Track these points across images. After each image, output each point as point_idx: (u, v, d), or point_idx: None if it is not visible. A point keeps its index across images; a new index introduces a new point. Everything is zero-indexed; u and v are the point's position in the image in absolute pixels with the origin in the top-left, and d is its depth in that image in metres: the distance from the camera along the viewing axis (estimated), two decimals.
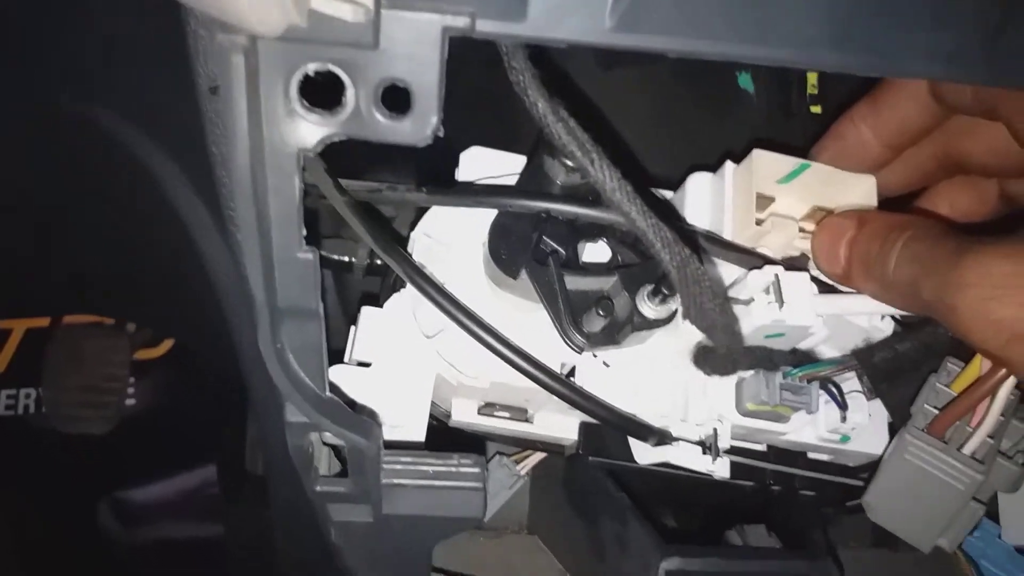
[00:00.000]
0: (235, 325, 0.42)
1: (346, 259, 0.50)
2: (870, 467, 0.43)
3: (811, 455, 0.44)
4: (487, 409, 0.44)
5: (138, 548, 0.93)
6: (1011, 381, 0.34)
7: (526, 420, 0.44)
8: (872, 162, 0.40)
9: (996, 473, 0.37)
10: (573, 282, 0.36)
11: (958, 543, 0.38)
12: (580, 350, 0.35)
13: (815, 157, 0.41)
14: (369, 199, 0.40)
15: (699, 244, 0.36)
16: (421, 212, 0.43)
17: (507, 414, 0.44)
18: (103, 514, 0.92)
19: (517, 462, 0.54)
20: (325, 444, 0.38)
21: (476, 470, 0.31)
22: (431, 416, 0.44)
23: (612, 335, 0.36)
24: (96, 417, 0.96)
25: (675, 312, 0.35)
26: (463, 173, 0.44)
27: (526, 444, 0.47)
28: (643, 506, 0.46)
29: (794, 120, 0.57)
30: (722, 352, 0.32)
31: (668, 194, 0.45)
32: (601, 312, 0.34)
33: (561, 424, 0.44)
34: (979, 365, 0.37)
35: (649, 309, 0.35)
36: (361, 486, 0.32)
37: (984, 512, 0.37)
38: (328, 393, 0.29)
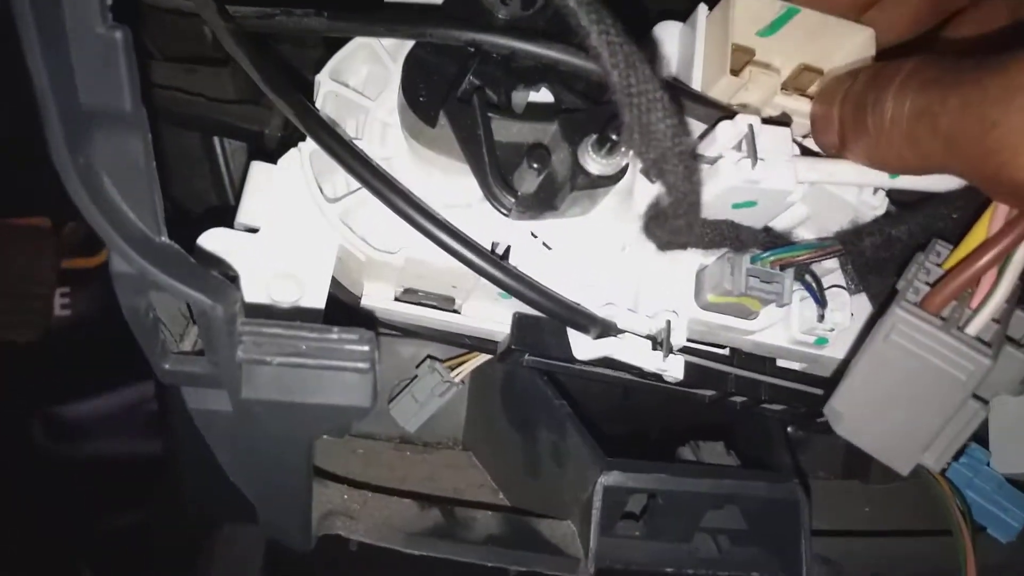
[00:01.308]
0: None
1: (255, 128, 0.43)
2: None
3: (780, 363, 0.39)
4: (407, 296, 0.38)
5: (72, 465, 0.88)
6: None
7: (453, 310, 0.38)
8: (843, 8, 0.34)
9: (1003, 364, 0.29)
10: (503, 128, 0.29)
11: (947, 459, 0.30)
12: (508, 211, 0.29)
13: None
14: (260, 28, 0.33)
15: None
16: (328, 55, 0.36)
17: (431, 302, 0.38)
18: (35, 429, 0.88)
19: (451, 368, 0.48)
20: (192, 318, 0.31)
21: (364, 348, 0.25)
22: (340, 303, 0.38)
23: (549, 197, 0.29)
24: (21, 324, 0.90)
25: (624, 168, 0.29)
26: None
27: (455, 341, 0.41)
28: (587, 417, 0.41)
29: None
30: (677, 205, 0.25)
31: None
32: (535, 164, 0.28)
33: (492, 315, 0.38)
34: (984, 229, 0.29)
35: (593, 162, 0.28)
36: (217, 363, 0.25)
37: (984, 415, 0.31)
38: (164, 238, 0.23)
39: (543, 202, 0.30)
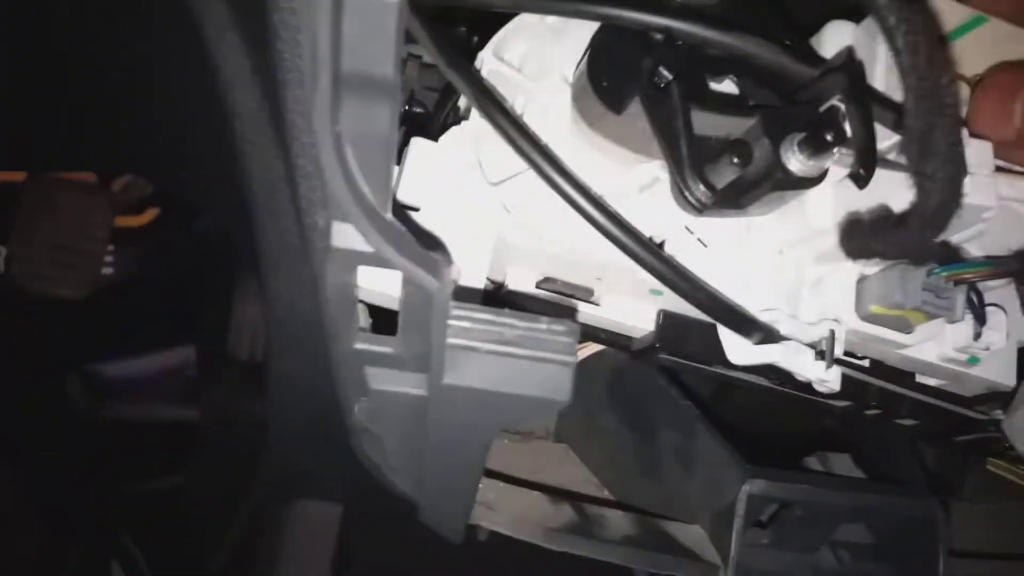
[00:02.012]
0: (248, 166, 0.35)
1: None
2: (988, 399, 0.37)
3: (920, 378, 0.38)
4: (547, 284, 0.37)
5: (105, 424, 0.89)
6: None
7: (592, 302, 0.38)
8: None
9: None
10: (701, 119, 0.28)
11: None
12: (702, 208, 0.28)
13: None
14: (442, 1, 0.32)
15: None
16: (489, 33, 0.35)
17: (569, 292, 0.37)
18: (72, 385, 0.88)
19: None
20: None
21: (569, 340, 0.25)
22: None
23: (738, 197, 0.29)
24: (68, 280, 0.90)
25: (825, 172, 0.28)
26: None
27: (587, 332, 0.40)
28: (708, 417, 0.40)
29: None
30: (929, 211, 0.24)
31: None
32: (736, 160, 0.27)
33: (633, 310, 0.37)
34: None
35: (797, 162, 0.27)
36: (415, 346, 0.25)
37: None
38: (391, 215, 0.22)
39: (730, 199, 0.29)
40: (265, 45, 0.30)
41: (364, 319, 0.30)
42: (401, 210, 0.31)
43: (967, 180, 0.28)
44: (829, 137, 0.26)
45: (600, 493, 0.44)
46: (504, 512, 0.33)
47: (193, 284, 0.83)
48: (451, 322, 0.24)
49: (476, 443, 0.28)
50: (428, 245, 0.30)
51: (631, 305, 0.37)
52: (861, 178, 0.26)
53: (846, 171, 0.29)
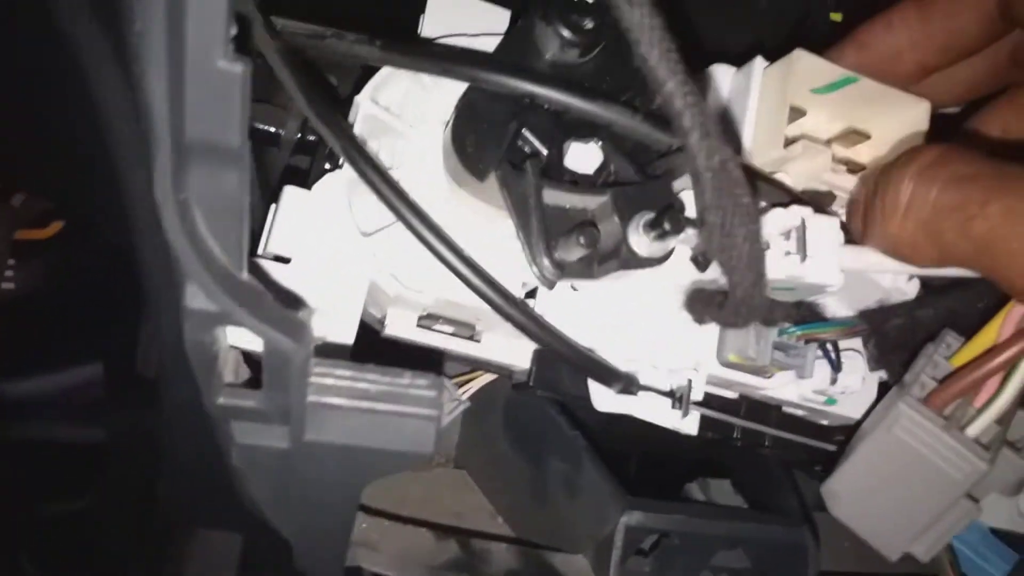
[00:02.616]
0: (130, 192, 0.37)
1: (272, 130, 0.44)
2: (846, 431, 0.42)
3: (785, 409, 0.43)
4: (427, 321, 0.40)
5: (7, 447, 0.89)
6: None
7: (472, 339, 0.41)
8: (898, 79, 0.36)
9: (1000, 467, 0.33)
10: (554, 196, 0.31)
11: (935, 551, 0.34)
12: (551, 284, 0.31)
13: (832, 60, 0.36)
14: (307, 47, 0.34)
15: None
16: (368, 76, 0.37)
17: (451, 329, 0.41)
18: None
19: (459, 385, 0.51)
20: (232, 346, 0.34)
21: (432, 394, 0.27)
22: (360, 322, 0.40)
23: (590, 268, 0.32)
24: None
25: (671, 252, 0.31)
26: (429, 24, 0.38)
27: (473, 365, 0.44)
28: (595, 446, 0.44)
29: (807, 27, 0.51)
30: (738, 298, 0.28)
31: None
32: (583, 241, 0.30)
33: (512, 348, 0.40)
34: (995, 332, 0.32)
35: (642, 244, 0.30)
36: (278, 402, 0.27)
37: (977, 515, 0.35)
38: (247, 275, 0.24)
39: (583, 271, 0.32)
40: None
41: (234, 372, 0.32)
42: (260, 269, 0.33)
43: (808, 262, 0.32)
44: (667, 226, 0.29)
45: (495, 521, 0.49)
46: (387, 552, 0.37)
47: (100, 299, 0.83)
48: (312, 379, 0.27)
49: (344, 494, 0.30)
50: (289, 303, 0.33)
51: (509, 343, 0.40)
52: (699, 264, 0.30)
53: None
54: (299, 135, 0.43)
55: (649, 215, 0.30)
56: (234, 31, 0.20)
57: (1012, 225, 0.27)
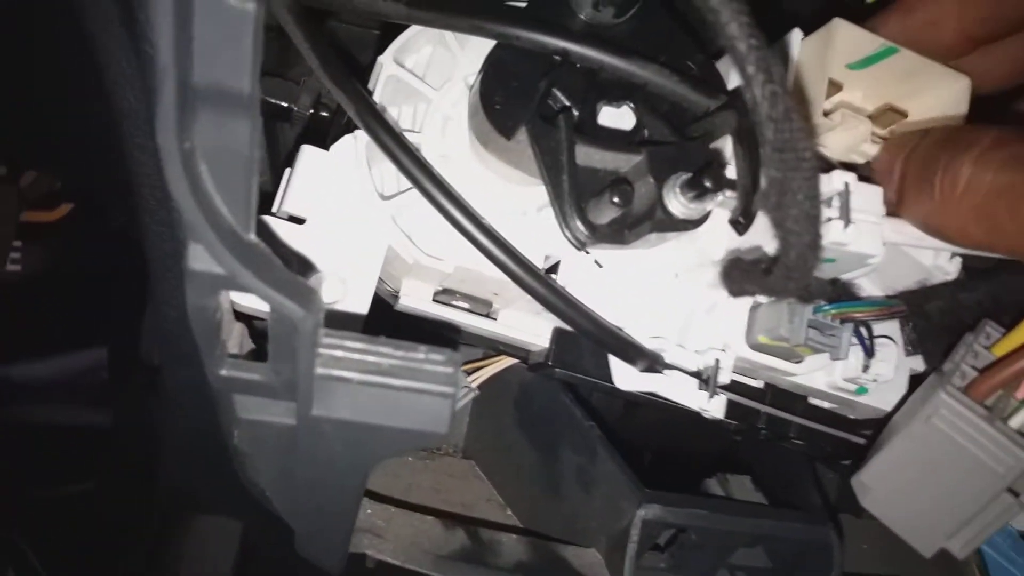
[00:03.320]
0: (137, 169, 0.35)
1: (284, 104, 0.43)
2: (874, 424, 0.40)
3: (811, 400, 0.41)
4: (444, 296, 0.39)
5: (12, 429, 0.87)
6: None
7: (488, 316, 0.40)
8: (940, 51, 0.35)
9: None
10: (587, 155, 0.30)
11: (973, 548, 0.33)
12: (582, 245, 0.30)
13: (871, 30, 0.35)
14: (325, 5, 0.33)
15: None
16: (391, 36, 0.36)
17: (467, 305, 0.39)
18: None
19: (468, 373, 0.50)
20: (238, 316, 0.32)
21: (448, 370, 0.25)
22: (374, 295, 0.39)
23: (622, 231, 0.31)
24: None
25: (708, 215, 0.30)
26: None
27: (485, 344, 0.42)
28: (611, 437, 0.43)
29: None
30: (790, 265, 0.27)
31: None
32: (617, 200, 0.29)
33: (530, 326, 0.39)
34: None
35: (678, 205, 0.29)
36: (285, 375, 0.26)
37: (1019, 510, 0.33)
38: (253, 236, 0.23)
39: (615, 235, 0.31)
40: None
41: (239, 343, 0.31)
42: (271, 230, 0.32)
43: (851, 228, 0.30)
44: (708, 184, 0.28)
45: (503, 512, 0.47)
46: (393, 540, 0.35)
47: (106, 283, 0.82)
48: (321, 351, 0.25)
49: (351, 475, 0.29)
50: (299, 269, 0.32)
51: (527, 320, 0.39)
52: (740, 225, 0.29)
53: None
54: (311, 110, 0.42)
55: (686, 175, 0.29)
56: None
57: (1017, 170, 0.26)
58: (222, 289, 0.23)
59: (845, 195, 0.30)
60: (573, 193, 0.29)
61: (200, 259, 0.22)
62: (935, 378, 0.34)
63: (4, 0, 0.46)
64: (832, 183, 0.30)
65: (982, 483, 0.32)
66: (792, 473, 0.44)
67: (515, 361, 0.44)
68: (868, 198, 0.31)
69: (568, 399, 0.43)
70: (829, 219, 0.30)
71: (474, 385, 0.50)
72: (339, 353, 0.25)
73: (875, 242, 0.30)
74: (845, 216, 0.29)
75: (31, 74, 0.54)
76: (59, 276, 0.85)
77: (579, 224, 0.29)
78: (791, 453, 0.44)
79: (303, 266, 0.31)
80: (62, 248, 0.85)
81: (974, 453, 0.32)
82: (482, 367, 0.50)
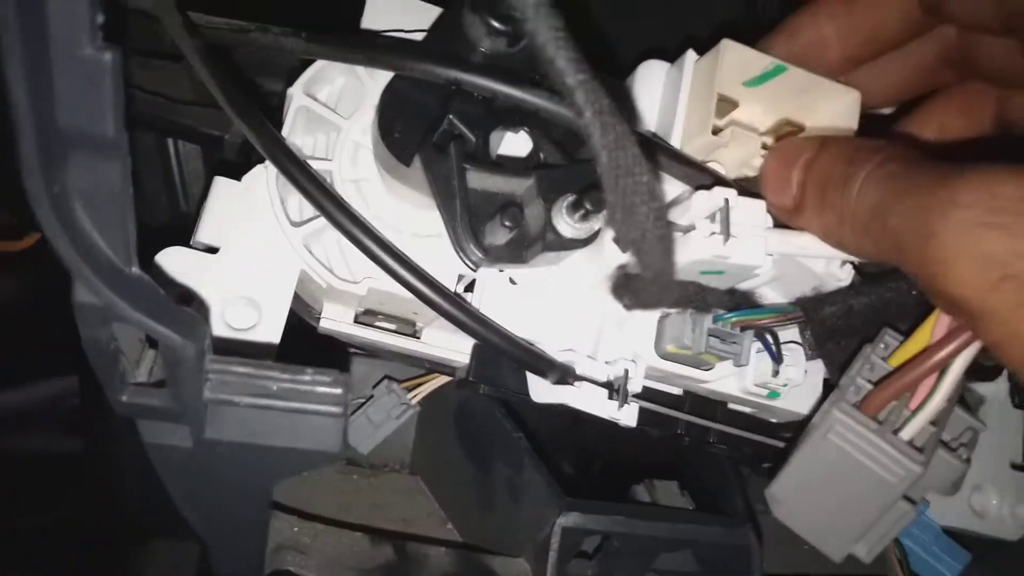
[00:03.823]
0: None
1: (216, 133, 0.44)
2: (794, 427, 0.42)
3: (732, 406, 0.42)
4: (367, 317, 0.40)
5: None
6: (968, 354, 0.31)
7: (413, 335, 0.41)
8: (825, 70, 0.36)
9: (935, 467, 0.33)
10: (478, 179, 0.31)
11: (877, 552, 0.34)
12: (476, 266, 0.31)
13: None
14: (231, 41, 0.34)
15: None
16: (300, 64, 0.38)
17: (391, 325, 0.40)
18: None
19: (409, 389, 0.51)
20: (151, 344, 0.33)
21: (336, 391, 0.27)
22: (300, 321, 0.40)
23: (519, 251, 0.32)
24: None
25: (596, 233, 0.31)
26: (368, 21, 0.38)
27: (415, 363, 0.44)
28: (543, 450, 0.44)
29: (759, 19, 0.52)
30: (648, 278, 0.28)
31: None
32: (507, 223, 0.30)
33: (453, 344, 0.40)
34: (928, 333, 0.32)
35: (566, 225, 0.31)
36: (180, 400, 0.28)
37: (914, 516, 0.34)
38: (136, 269, 0.24)
39: (512, 254, 0.32)
40: None
41: (148, 370, 0.32)
42: (157, 268, 0.33)
43: (732, 242, 0.32)
44: (588, 205, 0.29)
45: (444, 527, 0.48)
46: (316, 556, 0.36)
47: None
48: (210, 376, 0.27)
49: (252, 494, 0.30)
50: (182, 299, 0.33)
51: (450, 338, 0.40)
52: (620, 244, 0.30)
53: None
54: (243, 138, 0.43)
55: (572, 196, 0.30)
56: (101, 18, 0.20)
57: (913, 220, 0.27)
58: (106, 321, 0.24)
59: (725, 210, 0.31)
60: (465, 217, 0.31)
61: (82, 293, 0.23)
62: (835, 393, 0.35)
63: None
64: (713, 199, 0.31)
65: (878, 493, 0.33)
66: (716, 477, 0.45)
67: (451, 378, 0.46)
68: (752, 211, 0.32)
69: (499, 412, 0.44)
70: (712, 233, 0.31)
71: (413, 402, 0.51)
72: (228, 378, 0.26)
73: (757, 254, 0.31)
74: (725, 231, 0.31)
75: None
76: (29, 304, 0.86)
77: (470, 246, 0.31)
78: (717, 458, 0.45)
79: (185, 296, 0.33)
80: (31, 277, 0.86)
81: (869, 466, 0.33)
82: (421, 384, 0.51)
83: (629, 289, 0.32)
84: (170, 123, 0.41)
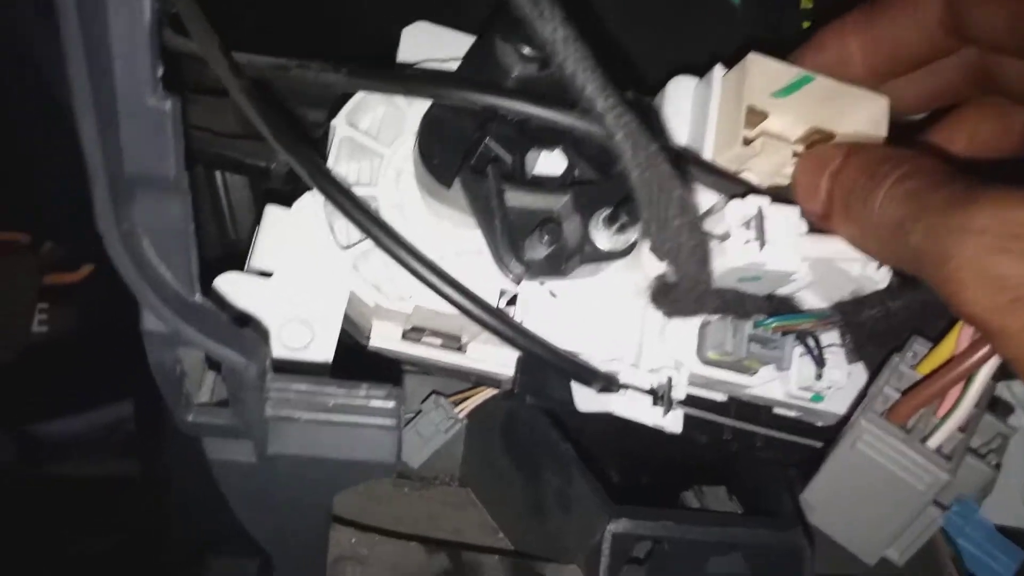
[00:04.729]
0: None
1: (262, 164, 0.46)
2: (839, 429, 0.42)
3: (777, 410, 0.43)
4: (414, 334, 0.41)
5: (46, 485, 0.91)
6: (992, 363, 0.30)
7: (459, 350, 0.42)
8: (853, 84, 0.37)
9: (964, 474, 0.34)
10: (516, 198, 0.32)
11: (911, 555, 0.35)
12: (518, 280, 0.32)
13: None
14: (273, 79, 0.36)
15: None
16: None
17: (437, 341, 0.42)
18: (8, 449, 0.90)
19: (456, 403, 0.52)
20: (211, 366, 0.35)
21: (390, 404, 0.28)
22: (349, 339, 0.42)
23: (558, 265, 0.33)
24: None
25: (633, 244, 0.32)
26: (404, 53, 0.40)
27: (462, 377, 0.45)
28: (591, 458, 0.44)
29: (782, 37, 0.53)
30: (685, 288, 0.29)
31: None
32: (546, 237, 0.31)
33: (498, 357, 0.41)
34: (954, 343, 0.33)
35: (603, 238, 0.31)
36: (243, 417, 0.29)
37: (944, 521, 0.35)
38: (199, 296, 0.26)
39: (552, 268, 0.33)
40: None
41: (210, 391, 0.33)
42: (236, 288, 0.35)
43: (767, 248, 0.32)
44: (624, 218, 0.30)
45: (495, 536, 0.49)
46: (375, 565, 0.37)
47: (130, 337, 0.86)
48: (271, 394, 0.28)
49: (313, 505, 0.32)
50: (239, 321, 0.34)
51: (495, 352, 0.41)
52: (657, 254, 0.31)
53: None
54: (288, 167, 0.45)
55: (608, 210, 0.31)
56: (161, 71, 0.21)
57: (930, 241, 0.28)
58: (173, 346, 0.26)
59: (759, 218, 0.31)
60: (505, 234, 0.32)
61: (150, 321, 0.25)
62: (864, 402, 0.36)
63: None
64: (747, 207, 0.32)
65: (907, 500, 0.34)
66: (764, 482, 0.45)
67: (497, 391, 0.47)
68: (785, 218, 0.33)
69: (546, 422, 0.45)
70: (747, 241, 0.32)
71: (461, 416, 0.52)
72: (288, 395, 0.28)
73: (792, 259, 0.32)
74: (760, 238, 0.31)
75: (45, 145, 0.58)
76: (85, 334, 0.89)
77: (512, 260, 0.32)
78: (764, 463, 0.45)
79: (244, 320, 0.34)
80: (86, 307, 0.89)
81: (897, 474, 0.33)
82: (468, 398, 0.52)
83: (668, 298, 0.33)
84: (217, 156, 0.43)
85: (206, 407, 0.30)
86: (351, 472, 0.30)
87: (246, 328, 0.27)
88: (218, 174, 0.53)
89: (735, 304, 0.35)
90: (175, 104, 0.22)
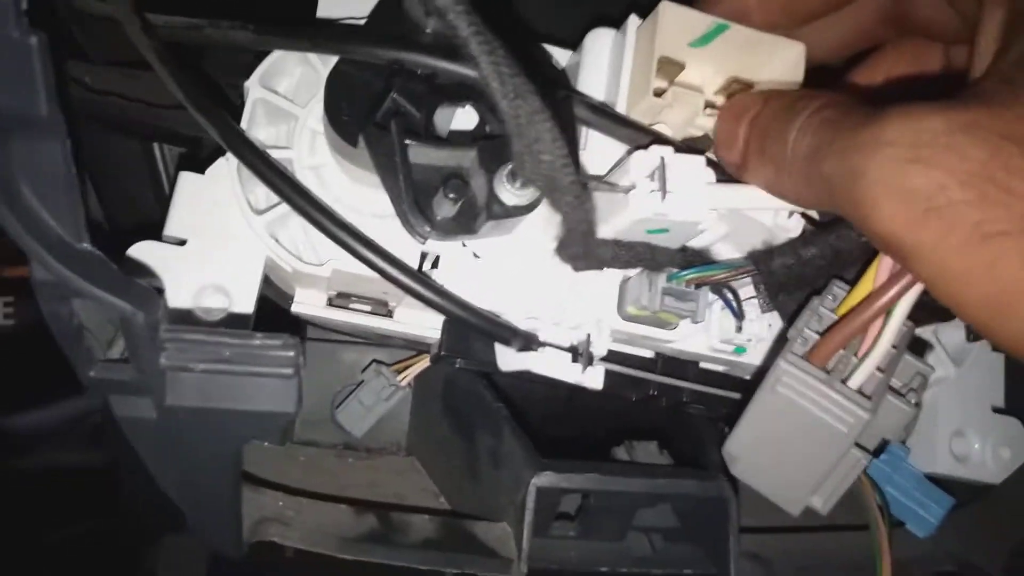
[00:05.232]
0: None
1: (194, 134, 0.45)
2: None
3: (704, 365, 0.43)
4: (340, 300, 0.41)
5: (15, 478, 0.91)
6: (911, 294, 0.31)
7: (387, 315, 0.42)
8: None
9: (885, 413, 0.33)
10: (421, 154, 0.32)
11: (834, 502, 0.34)
12: (424, 239, 0.32)
13: None
14: (186, 39, 0.35)
15: (574, 111, 0.33)
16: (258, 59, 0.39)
17: (366, 307, 0.41)
18: None
19: (398, 372, 0.52)
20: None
21: (288, 353, 0.28)
22: (278, 307, 0.41)
23: (468, 223, 0.33)
24: None
25: (539, 199, 0.32)
26: (324, 10, 0.39)
27: (390, 342, 0.45)
28: (529, 419, 0.45)
29: None
30: (569, 229, 0.28)
31: (567, 55, 0.41)
32: (451, 195, 0.31)
33: (425, 321, 0.41)
34: (871, 280, 0.32)
35: (508, 193, 0.31)
36: (140, 370, 0.29)
37: (868, 463, 0.33)
38: (86, 244, 0.25)
39: (462, 226, 0.33)
40: None
41: (118, 349, 0.33)
42: (106, 238, 0.34)
43: (670, 198, 0.32)
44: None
45: (436, 500, 0.49)
46: (299, 527, 0.37)
47: None
48: (166, 345, 0.28)
49: (219, 459, 0.31)
50: (136, 272, 0.34)
51: (422, 315, 0.41)
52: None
53: None
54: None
55: (511, 164, 0.31)
56: (26, 4, 0.21)
57: (842, 162, 0.27)
58: (64, 297, 0.26)
59: (661, 168, 0.31)
60: (409, 191, 0.31)
61: (37, 271, 0.25)
62: (784, 346, 0.35)
63: None
64: (651, 158, 0.32)
65: (830, 442, 0.33)
66: (692, 435, 0.45)
67: None
68: (689, 167, 0.32)
69: (481, 384, 0.45)
70: (652, 191, 0.32)
71: (403, 383, 0.52)
72: (182, 346, 0.27)
73: (697, 209, 0.32)
74: (662, 188, 0.31)
75: None
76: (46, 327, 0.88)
77: (417, 218, 0.31)
78: (694, 418, 0.46)
79: (140, 271, 0.34)
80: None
81: (818, 415, 0.32)
82: (409, 366, 0.52)
83: (566, 248, 0.33)
84: (152, 127, 0.43)
85: (108, 363, 0.29)
86: (252, 422, 0.29)
87: (137, 279, 0.26)
88: (156, 147, 0.52)
89: (647, 256, 0.35)
90: (41, 40, 0.22)
